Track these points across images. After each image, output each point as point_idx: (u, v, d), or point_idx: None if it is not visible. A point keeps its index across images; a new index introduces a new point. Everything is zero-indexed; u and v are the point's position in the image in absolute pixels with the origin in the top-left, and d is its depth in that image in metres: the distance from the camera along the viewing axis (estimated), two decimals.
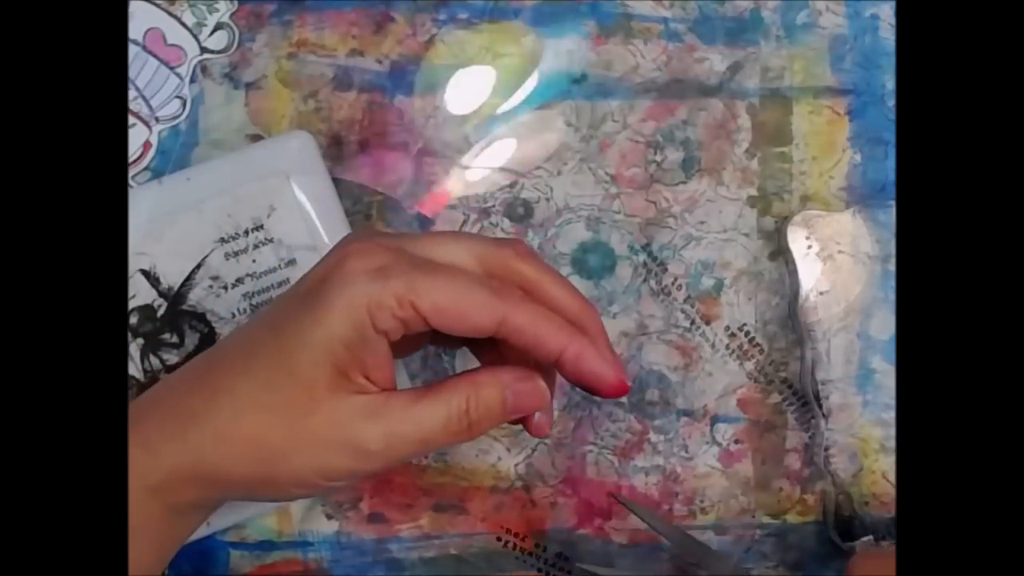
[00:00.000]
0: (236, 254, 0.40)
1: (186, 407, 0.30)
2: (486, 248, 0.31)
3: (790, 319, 0.43)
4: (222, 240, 0.40)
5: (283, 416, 0.29)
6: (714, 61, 0.43)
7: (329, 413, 0.29)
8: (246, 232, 0.40)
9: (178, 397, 0.30)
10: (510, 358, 0.33)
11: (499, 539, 0.43)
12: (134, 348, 0.40)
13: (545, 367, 0.32)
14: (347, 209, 0.41)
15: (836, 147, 0.43)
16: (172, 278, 0.40)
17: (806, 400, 0.42)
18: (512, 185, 0.43)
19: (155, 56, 0.42)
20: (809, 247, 0.42)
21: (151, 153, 0.42)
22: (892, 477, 0.43)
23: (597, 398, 0.43)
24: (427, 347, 0.42)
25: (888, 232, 0.42)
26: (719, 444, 0.43)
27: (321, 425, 0.29)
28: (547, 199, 0.43)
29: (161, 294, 0.40)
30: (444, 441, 0.30)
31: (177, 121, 0.43)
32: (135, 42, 0.42)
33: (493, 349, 0.33)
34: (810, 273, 0.42)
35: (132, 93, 0.42)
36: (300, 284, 0.30)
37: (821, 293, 0.42)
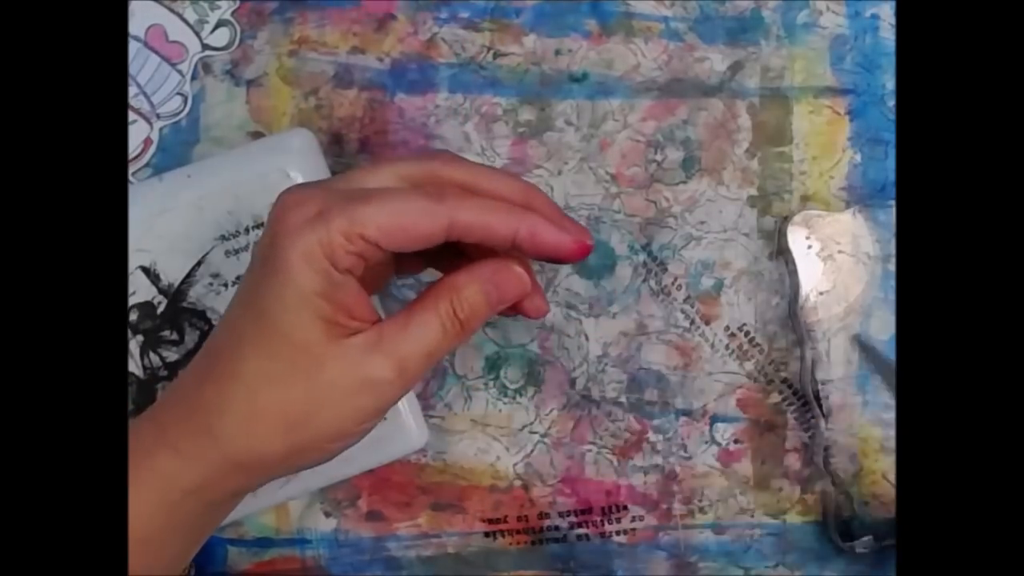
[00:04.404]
0: (236, 252, 0.40)
1: (202, 402, 0.30)
2: (414, 165, 0.31)
3: (790, 319, 0.43)
4: (223, 237, 0.40)
5: (295, 381, 0.29)
6: (714, 61, 0.43)
7: (337, 362, 0.29)
8: (247, 230, 0.40)
9: (192, 394, 0.30)
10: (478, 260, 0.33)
11: (494, 536, 0.43)
12: (134, 345, 0.40)
13: (514, 256, 0.32)
14: None
15: (836, 147, 0.43)
16: (172, 275, 0.40)
17: (806, 400, 0.42)
18: None
19: (156, 53, 0.42)
20: (809, 247, 0.42)
21: (152, 150, 0.42)
22: (892, 477, 0.42)
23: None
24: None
25: (888, 232, 0.42)
26: (718, 444, 0.43)
27: (334, 376, 0.29)
28: None
29: (161, 291, 0.40)
30: (447, 347, 0.30)
31: (178, 118, 0.43)
32: (136, 38, 0.42)
33: (458, 262, 0.33)
34: (810, 273, 0.42)
35: (133, 89, 0.42)
36: (256, 256, 0.30)
37: (821, 293, 0.42)
